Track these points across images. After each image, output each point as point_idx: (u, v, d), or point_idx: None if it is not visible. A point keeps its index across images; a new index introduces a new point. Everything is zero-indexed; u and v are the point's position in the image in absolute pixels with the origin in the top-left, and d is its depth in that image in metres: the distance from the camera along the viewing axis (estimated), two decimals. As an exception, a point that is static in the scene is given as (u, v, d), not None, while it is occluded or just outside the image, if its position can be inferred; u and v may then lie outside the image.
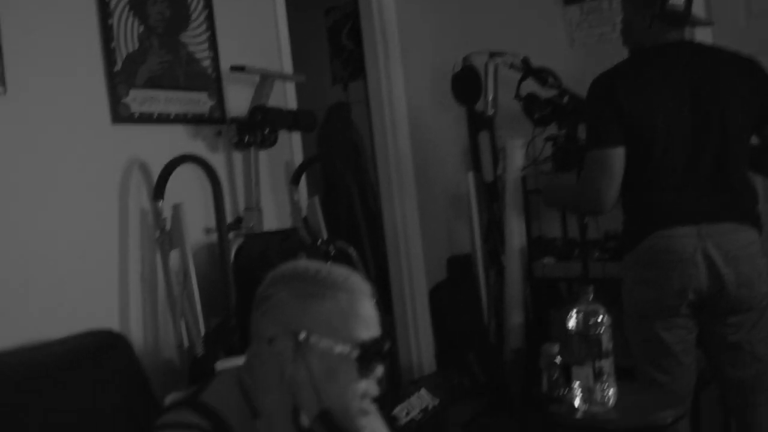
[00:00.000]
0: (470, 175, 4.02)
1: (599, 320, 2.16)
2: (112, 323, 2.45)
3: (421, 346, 3.68)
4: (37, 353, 2.11)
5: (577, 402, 2.19)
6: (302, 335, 1.32)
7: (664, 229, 2.42)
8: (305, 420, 1.33)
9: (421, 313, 3.70)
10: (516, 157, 3.76)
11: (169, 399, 1.49)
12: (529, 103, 3.28)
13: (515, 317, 3.80)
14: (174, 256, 2.59)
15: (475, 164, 4.01)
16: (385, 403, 2.62)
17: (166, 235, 2.58)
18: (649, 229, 2.45)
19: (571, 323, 2.19)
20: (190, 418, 1.31)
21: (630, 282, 2.50)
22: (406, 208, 3.70)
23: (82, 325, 2.32)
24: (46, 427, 1.95)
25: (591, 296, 2.18)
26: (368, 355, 1.33)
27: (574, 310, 2.19)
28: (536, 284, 3.73)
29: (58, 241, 2.37)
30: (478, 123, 3.76)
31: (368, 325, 1.35)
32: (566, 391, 2.28)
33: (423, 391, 2.63)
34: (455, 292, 3.85)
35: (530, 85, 3.29)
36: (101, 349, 2.25)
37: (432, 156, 3.92)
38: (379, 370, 1.36)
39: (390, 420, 2.43)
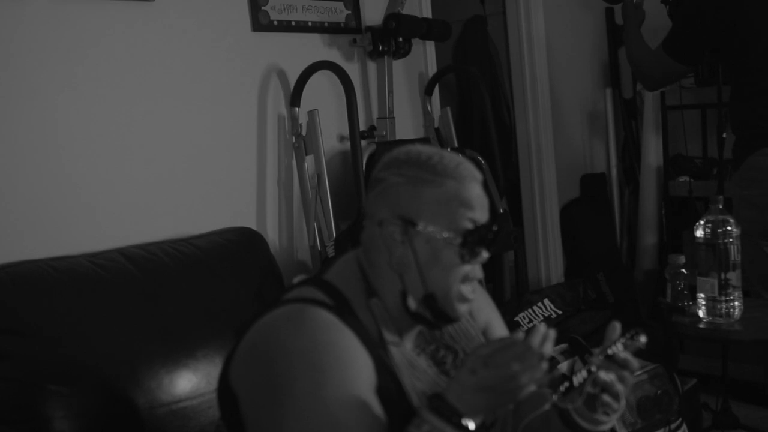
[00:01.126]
0: (608, 92, 3.96)
1: (728, 230, 2.12)
2: (250, 223, 2.58)
3: (550, 262, 3.69)
4: (182, 245, 2.26)
5: (701, 313, 2.18)
6: (410, 220, 1.37)
7: (767, 147, 2.35)
8: (412, 303, 1.40)
9: (551, 230, 3.70)
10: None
11: (296, 279, 1.59)
12: (675, 8, 3.13)
13: (648, 238, 3.77)
14: (309, 161, 2.70)
15: (614, 80, 3.95)
16: (508, 310, 2.67)
17: (301, 141, 2.68)
18: (753, 147, 2.39)
19: (699, 233, 2.16)
20: (314, 293, 1.40)
21: (736, 200, 2.44)
22: (540, 123, 3.67)
23: (223, 223, 2.46)
24: (187, 308, 2.10)
25: (721, 206, 2.15)
26: (472, 241, 1.38)
27: (703, 220, 2.17)
28: (672, 204, 3.67)
29: (200, 143, 2.50)
30: (619, 36, 3.66)
31: (475, 211, 1.38)
32: (690, 303, 2.27)
33: (546, 301, 2.67)
34: (588, 211, 3.83)
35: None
36: (240, 244, 2.38)
37: (569, 71, 3.85)
38: (483, 255, 1.41)
39: (512, 325, 2.48)
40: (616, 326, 1.39)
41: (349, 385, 1.29)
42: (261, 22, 2.66)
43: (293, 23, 2.75)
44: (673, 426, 2.17)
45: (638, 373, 2.20)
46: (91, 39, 2.25)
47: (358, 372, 1.31)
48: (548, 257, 3.69)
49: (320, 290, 1.41)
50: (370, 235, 1.44)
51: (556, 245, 3.72)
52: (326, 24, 2.85)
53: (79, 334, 1.90)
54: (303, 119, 2.69)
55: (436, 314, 1.41)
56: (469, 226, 1.38)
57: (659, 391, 2.14)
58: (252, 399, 1.35)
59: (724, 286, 2.13)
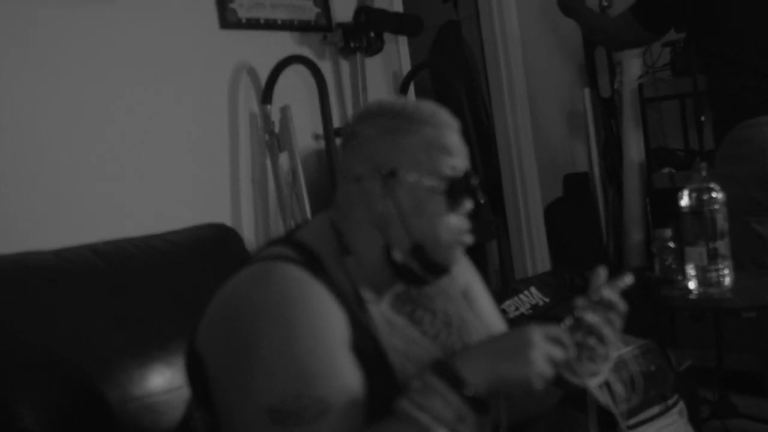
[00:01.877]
0: (586, 92, 3.93)
1: (713, 197, 2.07)
2: (225, 220, 2.51)
3: (537, 264, 3.63)
4: (154, 240, 2.18)
5: (691, 284, 2.11)
6: (390, 171, 1.31)
7: (748, 119, 2.31)
8: (398, 256, 1.33)
9: (536, 231, 3.65)
10: (633, 67, 3.65)
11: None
12: None
13: (635, 234, 3.72)
14: (283, 158, 2.64)
15: (591, 79, 3.92)
16: (494, 298, 2.59)
17: (275, 138, 2.63)
18: (732, 122, 2.35)
19: (684, 201, 2.11)
20: (283, 251, 1.33)
21: (720, 179, 2.38)
22: (519, 125, 3.64)
23: (196, 221, 2.38)
24: (159, 303, 2.02)
25: (704, 172, 2.09)
26: (456, 188, 1.31)
27: (688, 188, 2.11)
28: (656, 198, 3.62)
29: (171, 142, 2.44)
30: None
31: (455, 158, 1.33)
32: (680, 278, 2.20)
33: (533, 289, 2.59)
34: (572, 210, 3.78)
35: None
36: (215, 239, 2.30)
37: (546, 72, 3.83)
38: (468, 204, 1.34)
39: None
40: (601, 272, 1.32)
41: (320, 340, 1.21)
42: (229, 20, 2.62)
43: (262, 21, 2.71)
44: (669, 402, 2.09)
45: (630, 348, 2.13)
46: (62, 40, 2.21)
47: (331, 327, 1.24)
48: (534, 259, 3.64)
49: (289, 248, 1.34)
50: (346, 192, 1.37)
51: (542, 246, 3.66)
52: (295, 22, 2.81)
53: (45, 329, 1.82)
54: (275, 117, 2.64)
55: (425, 265, 1.33)
56: (451, 173, 1.32)
57: (653, 367, 2.07)
58: (219, 360, 1.27)
59: (712, 256, 2.06)
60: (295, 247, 1.34)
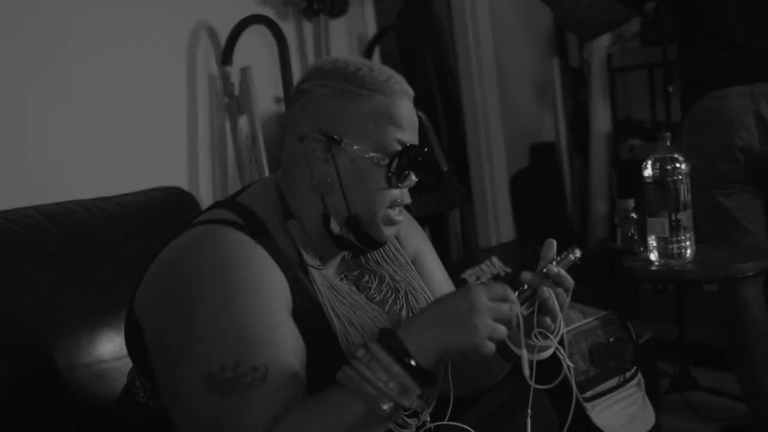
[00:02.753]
0: (555, 61, 3.90)
1: (677, 167, 2.04)
2: (181, 184, 2.45)
3: (501, 234, 3.61)
4: (105, 203, 2.12)
5: (652, 256, 2.09)
6: (334, 136, 1.25)
7: (715, 90, 2.28)
8: (335, 226, 1.28)
9: (501, 201, 3.62)
10: (602, 37, 3.60)
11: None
12: None
13: (600, 205, 3.71)
14: (242, 121, 2.58)
15: (560, 48, 3.88)
16: (455, 268, 2.56)
17: (234, 100, 2.56)
18: (700, 92, 2.31)
19: (647, 171, 2.08)
20: (224, 214, 1.28)
21: (686, 149, 2.36)
22: (486, 93, 3.59)
23: (151, 184, 2.33)
24: (109, 266, 1.96)
25: (668, 142, 2.06)
26: (401, 162, 1.26)
27: (651, 159, 2.08)
28: (623, 170, 3.61)
29: (127, 103, 2.37)
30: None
31: (404, 130, 1.27)
32: (641, 249, 2.18)
33: (495, 259, 2.56)
34: (538, 180, 3.76)
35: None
36: (169, 203, 2.23)
37: (514, 41, 3.79)
38: (412, 178, 1.30)
39: (460, 282, 2.38)
40: (552, 243, 1.28)
41: (260, 306, 1.17)
42: (187, -23, 2.54)
43: (222, -22, 2.64)
44: (627, 375, 2.07)
45: (589, 319, 2.11)
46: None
47: (272, 293, 1.20)
48: (499, 229, 3.61)
49: (231, 211, 1.29)
50: (290, 152, 1.32)
51: (506, 215, 3.64)
52: (258, -20, 2.74)
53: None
54: (235, 79, 2.57)
55: (360, 237, 1.29)
56: (398, 147, 1.27)
57: (612, 339, 2.05)
58: (157, 326, 1.22)
59: (675, 227, 2.04)
60: (238, 210, 1.30)
